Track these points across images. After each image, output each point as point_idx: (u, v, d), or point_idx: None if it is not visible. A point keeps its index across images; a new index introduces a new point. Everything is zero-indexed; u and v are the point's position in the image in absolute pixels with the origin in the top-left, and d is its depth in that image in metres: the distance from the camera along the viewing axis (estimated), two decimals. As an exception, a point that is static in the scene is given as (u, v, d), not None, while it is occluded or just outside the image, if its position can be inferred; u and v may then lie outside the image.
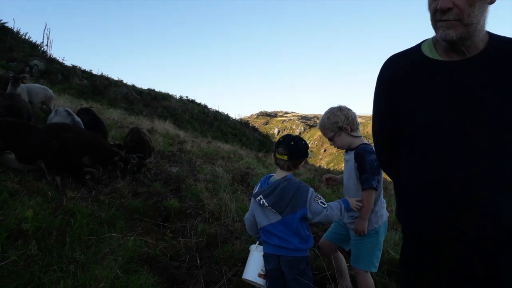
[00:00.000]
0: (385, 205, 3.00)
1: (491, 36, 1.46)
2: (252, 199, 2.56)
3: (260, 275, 2.63)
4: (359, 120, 2.95)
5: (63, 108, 6.48)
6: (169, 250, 3.70)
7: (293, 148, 2.46)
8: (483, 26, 1.42)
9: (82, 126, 6.18)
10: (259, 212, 2.51)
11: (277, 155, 2.48)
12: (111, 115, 11.75)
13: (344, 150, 3.00)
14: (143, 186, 5.55)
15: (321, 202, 2.40)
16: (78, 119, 6.24)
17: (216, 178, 6.48)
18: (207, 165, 7.83)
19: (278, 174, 2.52)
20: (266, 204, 2.41)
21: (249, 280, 2.71)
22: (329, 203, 2.48)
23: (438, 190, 1.44)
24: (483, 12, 1.37)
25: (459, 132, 1.40)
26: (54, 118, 6.14)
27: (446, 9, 1.34)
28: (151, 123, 12.46)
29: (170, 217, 4.59)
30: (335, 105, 2.92)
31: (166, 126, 13.03)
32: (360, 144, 2.84)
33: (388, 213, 3.00)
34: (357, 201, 2.61)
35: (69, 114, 6.15)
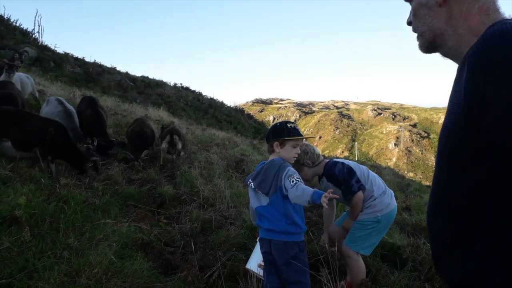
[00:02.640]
0: (391, 194, 3.06)
1: (479, 39, 0.97)
2: None
3: (260, 266, 2.70)
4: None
5: (54, 97, 6.36)
6: (163, 236, 3.72)
7: (267, 131, 2.60)
8: (457, 30, 1.08)
9: (75, 115, 6.10)
10: (252, 196, 2.57)
11: None
12: (104, 102, 11.62)
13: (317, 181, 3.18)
14: (137, 173, 5.54)
15: (292, 181, 2.26)
16: (69, 107, 6.14)
17: (210, 165, 6.47)
18: (201, 152, 7.82)
19: (269, 159, 2.59)
20: (253, 186, 2.49)
21: (251, 270, 2.82)
22: (303, 186, 2.26)
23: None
24: (433, 17, 1.13)
25: None
26: (45, 108, 6.06)
27: (408, 23, 1.25)
28: (145, 110, 12.34)
29: (164, 203, 4.60)
30: None
31: (160, 113, 12.92)
32: (324, 167, 3.03)
33: (395, 203, 3.06)
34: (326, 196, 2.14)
35: (60, 102, 6.05)
